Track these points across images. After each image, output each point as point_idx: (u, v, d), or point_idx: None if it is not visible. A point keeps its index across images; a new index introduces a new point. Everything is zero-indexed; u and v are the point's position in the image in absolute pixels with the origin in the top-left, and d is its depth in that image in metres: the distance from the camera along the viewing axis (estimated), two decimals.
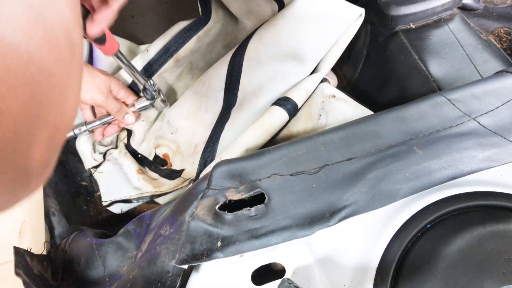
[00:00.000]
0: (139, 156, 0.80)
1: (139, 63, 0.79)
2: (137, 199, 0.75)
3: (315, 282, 0.42)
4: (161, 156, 0.78)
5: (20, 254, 0.48)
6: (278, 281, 0.39)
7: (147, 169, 0.78)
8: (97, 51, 0.78)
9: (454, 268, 0.38)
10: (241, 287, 0.42)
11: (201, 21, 0.83)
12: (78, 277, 0.50)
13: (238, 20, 0.85)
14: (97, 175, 0.76)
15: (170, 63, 0.82)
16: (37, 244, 0.59)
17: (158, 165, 0.78)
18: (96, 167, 0.78)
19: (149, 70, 0.80)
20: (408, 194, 0.42)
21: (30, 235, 0.58)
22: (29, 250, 0.51)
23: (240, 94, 0.68)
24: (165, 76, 0.82)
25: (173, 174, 0.76)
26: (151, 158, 0.80)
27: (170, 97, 0.83)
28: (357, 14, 0.64)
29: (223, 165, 0.46)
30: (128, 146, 0.80)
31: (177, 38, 0.81)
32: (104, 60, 0.79)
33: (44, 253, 0.57)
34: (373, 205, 0.41)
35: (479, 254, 0.39)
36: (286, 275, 0.43)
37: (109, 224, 0.77)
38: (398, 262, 0.41)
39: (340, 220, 0.41)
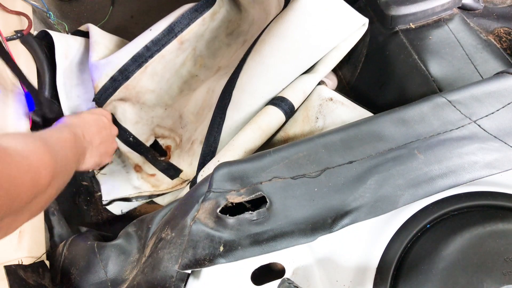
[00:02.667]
0: (131, 139, 0.79)
1: (140, 42, 0.78)
2: (136, 197, 0.75)
3: (315, 282, 0.42)
4: (164, 147, 0.78)
5: (13, 272, 0.47)
6: (278, 281, 0.39)
7: (144, 160, 0.78)
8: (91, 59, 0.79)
9: (454, 268, 0.38)
10: (241, 287, 0.42)
11: (207, 3, 0.82)
12: (78, 280, 0.50)
13: (242, 8, 0.84)
14: (99, 176, 0.76)
15: (174, 44, 0.80)
16: (37, 244, 0.59)
17: (156, 154, 0.78)
18: (100, 168, 0.78)
19: (152, 48, 0.78)
20: (409, 201, 0.42)
21: (30, 235, 0.58)
22: (20, 262, 0.51)
23: (235, 92, 0.68)
24: (168, 58, 0.81)
25: (170, 169, 0.75)
26: (148, 144, 0.79)
27: (173, 84, 0.82)
28: (361, 23, 0.64)
29: (224, 167, 0.46)
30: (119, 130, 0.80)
31: (182, 18, 0.80)
32: (101, 68, 0.79)
33: (44, 257, 0.57)
34: (375, 212, 0.41)
35: (479, 254, 0.39)
36: (286, 275, 0.43)
37: (109, 224, 0.77)
38: (398, 262, 0.41)
39: (342, 227, 0.41)
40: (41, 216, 0.64)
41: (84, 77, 0.82)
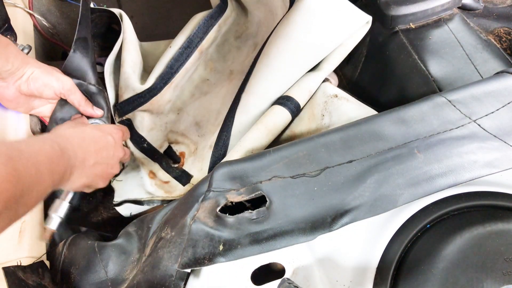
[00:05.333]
0: (145, 145, 0.79)
1: (163, 61, 0.77)
2: (148, 201, 0.75)
3: (315, 282, 0.42)
4: (177, 153, 0.78)
5: (11, 273, 0.47)
6: (278, 281, 0.39)
7: (158, 167, 0.78)
8: None
9: (454, 268, 0.38)
10: (241, 287, 0.42)
11: (221, 9, 0.82)
12: (78, 280, 0.50)
13: (247, 10, 0.84)
14: (115, 183, 0.75)
15: (195, 55, 0.80)
16: (37, 244, 0.59)
17: (169, 161, 0.78)
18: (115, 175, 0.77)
19: (174, 66, 0.78)
20: (409, 200, 0.42)
21: (30, 235, 0.58)
22: (19, 263, 0.51)
23: (243, 95, 0.68)
24: (190, 69, 0.81)
25: (183, 176, 0.75)
26: (161, 150, 0.79)
27: (185, 89, 0.82)
28: (364, 21, 0.64)
29: (223, 167, 0.46)
30: (133, 136, 0.78)
31: (199, 28, 0.80)
32: (130, 80, 0.75)
33: (44, 257, 0.57)
34: (375, 211, 0.41)
35: (479, 254, 0.39)
36: (286, 275, 0.43)
37: (110, 225, 0.77)
38: (398, 262, 0.41)
39: (342, 225, 0.41)
40: (41, 216, 0.64)
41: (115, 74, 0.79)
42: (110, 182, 0.67)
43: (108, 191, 0.73)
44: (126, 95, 0.75)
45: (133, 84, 0.74)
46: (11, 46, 0.57)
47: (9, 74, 0.57)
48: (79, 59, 0.66)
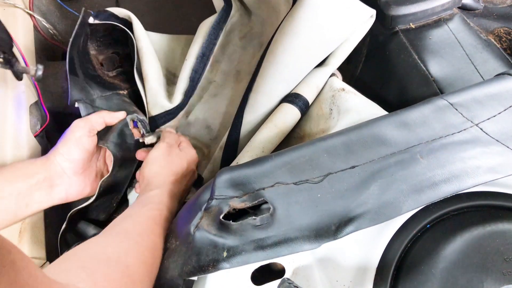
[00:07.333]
0: None
1: (184, 75, 0.78)
2: None
3: (315, 282, 0.42)
4: None
5: None
6: (278, 281, 0.39)
7: None
8: None
9: (454, 268, 0.38)
10: (241, 287, 0.42)
11: (226, 12, 0.82)
12: None
13: (250, 10, 0.84)
14: (130, 194, 0.74)
15: (210, 62, 0.81)
16: (37, 244, 0.59)
17: None
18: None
19: (195, 78, 0.79)
20: (413, 207, 0.41)
21: (30, 235, 0.59)
22: None
23: (251, 95, 0.67)
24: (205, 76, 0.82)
25: (196, 180, 0.75)
26: None
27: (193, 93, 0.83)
28: (369, 15, 0.64)
29: (225, 173, 0.45)
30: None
31: (210, 35, 0.80)
32: (158, 97, 0.75)
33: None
34: (379, 219, 0.41)
35: (479, 254, 0.39)
36: (286, 275, 0.43)
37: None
38: (398, 262, 0.41)
39: (347, 234, 0.40)
40: (41, 216, 0.64)
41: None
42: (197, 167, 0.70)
43: (124, 200, 0.72)
44: (154, 111, 0.75)
45: (161, 101, 0.75)
46: (19, 164, 0.56)
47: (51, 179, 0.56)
48: (80, 81, 0.68)
